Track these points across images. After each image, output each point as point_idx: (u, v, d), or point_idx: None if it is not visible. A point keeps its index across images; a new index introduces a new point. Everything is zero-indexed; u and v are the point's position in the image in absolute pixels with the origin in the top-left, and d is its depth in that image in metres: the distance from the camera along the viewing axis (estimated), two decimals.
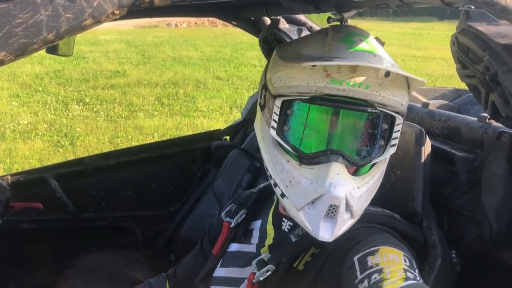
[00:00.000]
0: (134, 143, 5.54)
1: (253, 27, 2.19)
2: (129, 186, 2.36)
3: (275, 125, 0.97)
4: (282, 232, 1.15)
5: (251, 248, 1.20)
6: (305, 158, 0.96)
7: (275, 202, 1.20)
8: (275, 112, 0.97)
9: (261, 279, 1.05)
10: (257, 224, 1.25)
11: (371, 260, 0.90)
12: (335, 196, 0.90)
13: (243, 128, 2.47)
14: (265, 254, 1.11)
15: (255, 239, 1.22)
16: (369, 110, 0.92)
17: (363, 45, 0.97)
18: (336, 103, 0.93)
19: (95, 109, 7.25)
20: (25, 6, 0.57)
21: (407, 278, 0.84)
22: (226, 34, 17.25)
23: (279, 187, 0.99)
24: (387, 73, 0.90)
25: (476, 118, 1.30)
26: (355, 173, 0.97)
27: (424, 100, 1.76)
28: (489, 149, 1.20)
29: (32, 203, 1.99)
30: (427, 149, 1.17)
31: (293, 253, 1.06)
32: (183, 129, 6.31)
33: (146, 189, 2.39)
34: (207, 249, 1.37)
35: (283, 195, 0.99)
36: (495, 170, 1.15)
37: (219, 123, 6.45)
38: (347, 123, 0.95)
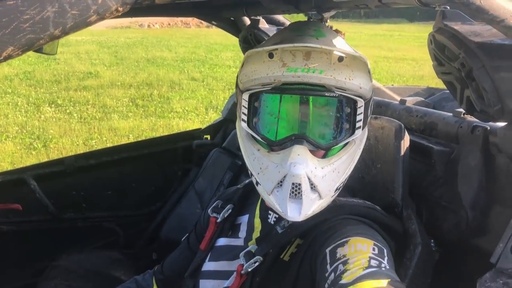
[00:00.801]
0: (109, 145, 5.47)
1: (233, 27, 2.21)
2: (110, 186, 2.35)
3: (245, 118, 1.05)
4: (268, 225, 1.18)
5: (238, 242, 1.23)
6: (273, 145, 1.03)
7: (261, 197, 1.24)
8: (243, 106, 1.05)
9: (249, 270, 1.09)
10: (244, 218, 1.28)
11: (340, 252, 0.95)
12: (295, 174, 0.96)
13: (223, 127, 2.50)
14: (252, 246, 1.15)
15: (242, 233, 1.25)
16: (326, 94, 0.99)
17: (310, 32, 1.05)
18: (294, 91, 0.99)
19: (68, 111, 7.14)
20: (33, 3, 0.59)
21: (369, 267, 0.88)
22: (200, 35, 17.21)
23: (254, 176, 1.06)
24: (340, 58, 0.97)
25: (451, 114, 1.37)
26: (324, 157, 1.03)
27: (399, 98, 1.83)
28: (464, 143, 1.26)
29: (11, 204, 1.97)
30: (406, 143, 1.23)
31: (279, 244, 1.09)
32: (158, 130, 6.27)
33: (127, 189, 2.39)
34: (194, 245, 1.39)
35: (257, 183, 1.05)
36: (470, 162, 1.21)
37: (195, 124, 6.44)
38: (310, 109, 1.01)
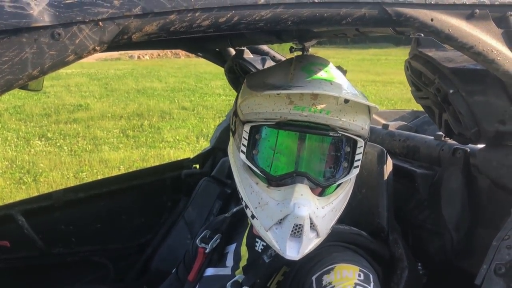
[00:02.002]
0: (100, 177, 5.44)
1: (219, 58, 2.25)
2: (99, 219, 2.33)
3: (244, 149, 1.03)
4: (255, 253, 1.18)
5: (226, 271, 1.23)
6: (272, 180, 1.02)
7: (249, 225, 1.24)
8: (244, 137, 1.03)
9: None
10: (232, 247, 1.28)
11: (325, 279, 0.96)
12: (299, 216, 0.96)
13: (212, 156, 2.51)
14: (239, 276, 1.15)
15: (230, 262, 1.25)
16: (330, 134, 1.00)
17: (321, 74, 1.05)
18: (299, 128, 1.00)
19: (58, 144, 7.11)
20: (11, 45, 0.61)
21: None
22: (189, 65, 17.37)
23: (249, 209, 1.05)
24: (347, 100, 0.97)
25: (432, 137, 1.39)
26: (321, 194, 1.03)
27: (384, 122, 1.86)
28: (446, 165, 1.29)
29: None
30: (389, 167, 1.24)
31: (266, 273, 1.10)
32: (149, 161, 6.26)
33: (116, 222, 2.37)
34: (183, 276, 1.39)
35: (253, 216, 1.04)
36: (452, 184, 1.23)
37: (186, 153, 6.44)
38: (311, 147, 1.02)
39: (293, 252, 0.98)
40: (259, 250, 1.18)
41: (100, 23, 0.64)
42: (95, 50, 0.65)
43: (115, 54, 19.06)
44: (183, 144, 7.10)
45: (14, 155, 6.48)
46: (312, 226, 0.99)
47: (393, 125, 1.58)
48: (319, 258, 1.04)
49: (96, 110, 9.50)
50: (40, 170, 5.82)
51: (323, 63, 1.10)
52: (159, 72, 15.69)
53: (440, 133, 1.33)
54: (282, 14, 0.77)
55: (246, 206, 1.06)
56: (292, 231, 0.97)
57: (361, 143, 1.04)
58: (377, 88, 12.46)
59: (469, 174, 1.21)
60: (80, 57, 0.64)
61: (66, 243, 2.24)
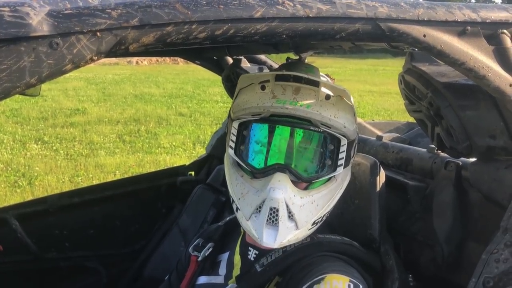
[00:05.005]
0: (95, 182, 5.44)
1: (216, 66, 2.27)
2: (93, 225, 2.32)
3: (232, 145, 1.10)
4: (248, 262, 1.19)
5: (219, 279, 1.24)
6: (256, 173, 1.07)
7: (242, 233, 1.25)
8: (232, 133, 1.10)
9: None
10: (225, 256, 1.29)
11: None
12: (273, 198, 1.00)
13: (207, 163, 2.51)
14: (231, 285, 1.15)
15: (223, 270, 1.25)
16: (311, 128, 1.04)
17: (302, 69, 1.13)
18: (281, 122, 1.05)
19: (54, 147, 7.10)
20: (10, 54, 0.62)
21: None
22: (188, 71, 17.40)
23: (234, 202, 1.09)
24: (328, 96, 1.03)
25: (425, 150, 1.41)
26: (305, 189, 1.07)
27: (379, 133, 1.87)
28: (438, 178, 1.30)
29: None
30: (381, 179, 1.26)
31: (258, 282, 1.10)
32: (145, 166, 6.25)
33: (110, 227, 2.36)
34: (176, 284, 1.39)
35: (237, 209, 1.08)
36: (444, 197, 1.24)
37: (183, 159, 6.44)
38: (294, 141, 1.06)
39: (269, 239, 1.02)
40: (252, 259, 1.19)
41: (98, 33, 0.66)
42: (92, 60, 0.66)
43: (113, 59, 19.07)
44: (180, 150, 7.10)
45: (9, 158, 6.46)
46: (290, 215, 1.02)
47: (387, 137, 1.60)
48: (310, 268, 1.05)
49: (93, 115, 9.50)
50: (36, 174, 5.81)
51: (309, 66, 1.18)
52: (157, 78, 15.71)
53: (433, 146, 1.34)
54: (277, 28, 0.78)
55: (233, 201, 1.11)
56: (269, 216, 1.01)
57: (344, 141, 1.08)
58: (374, 98, 12.51)
59: (461, 188, 1.22)
60: (78, 66, 0.65)
61: (60, 248, 2.23)
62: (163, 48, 0.71)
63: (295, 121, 1.04)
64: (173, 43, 0.71)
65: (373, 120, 2.73)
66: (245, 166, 1.09)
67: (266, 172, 1.05)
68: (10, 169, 6.01)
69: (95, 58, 0.66)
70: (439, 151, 1.34)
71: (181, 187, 2.45)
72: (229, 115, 1.16)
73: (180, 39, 0.72)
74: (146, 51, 0.76)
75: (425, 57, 1.14)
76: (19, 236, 2.11)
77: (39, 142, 7.40)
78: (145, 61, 20.12)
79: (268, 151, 1.07)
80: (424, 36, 0.87)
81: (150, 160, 6.56)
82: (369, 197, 1.26)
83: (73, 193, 2.34)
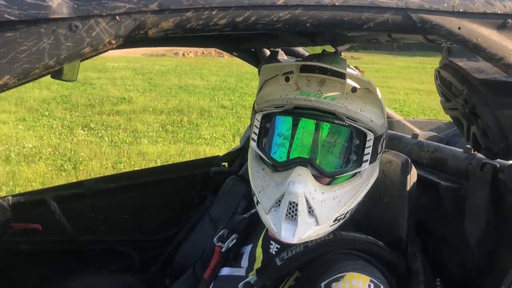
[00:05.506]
0: (137, 169, 5.58)
1: (254, 58, 2.27)
2: (128, 210, 2.38)
3: (255, 137, 1.08)
4: (269, 255, 1.18)
5: (241, 272, 1.23)
6: (278, 166, 1.05)
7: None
8: (255, 126, 1.08)
9: None
10: (248, 248, 1.28)
11: (334, 287, 0.94)
12: (292, 192, 0.97)
13: (241, 155, 2.52)
14: (251, 277, 1.14)
15: (245, 262, 1.25)
16: (335, 121, 1.00)
17: (327, 60, 1.09)
18: (304, 115, 1.02)
19: (99, 134, 7.32)
20: (30, 35, 0.63)
21: None
22: (232, 64, 17.49)
23: (255, 195, 1.08)
24: (354, 89, 0.99)
25: (462, 150, 1.35)
26: (328, 185, 1.04)
27: (419, 131, 1.81)
28: (473, 180, 1.24)
29: (31, 224, 2.02)
30: (412, 178, 1.21)
31: (277, 276, 1.09)
32: (186, 156, 6.34)
33: (144, 214, 2.41)
34: (199, 273, 1.40)
35: (257, 202, 1.07)
36: (478, 200, 1.19)
37: (222, 151, 6.47)
38: (318, 135, 1.03)
39: (288, 234, 0.99)
40: (273, 253, 1.18)
41: (117, 17, 0.66)
42: (110, 44, 0.66)
43: (160, 50, 19.48)
44: (220, 142, 7.16)
45: (57, 143, 6.72)
46: (310, 210, 0.99)
47: (422, 135, 1.54)
48: (330, 265, 1.02)
49: (139, 104, 9.72)
50: (81, 159, 6.01)
51: (335, 56, 1.15)
52: (202, 70, 15.89)
53: (470, 146, 1.28)
54: (301, 16, 0.76)
55: (253, 193, 1.09)
56: (288, 211, 0.99)
57: (370, 136, 1.03)
58: (420, 97, 12.14)
59: (497, 191, 1.16)
60: (96, 50, 0.66)
61: (95, 231, 2.30)
62: (182, 34, 0.70)
63: (319, 114, 1.01)
64: (192, 29, 0.71)
65: (413, 118, 2.65)
66: (266, 159, 1.06)
67: (288, 165, 1.03)
68: (57, 153, 6.25)
69: (113, 42, 0.66)
70: (475, 152, 1.27)
71: (214, 177, 2.47)
72: (253, 108, 1.14)
73: (200, 25, 0.71)
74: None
75: (463, 52, 1.09)
76: (57, 217, 2.19)
77: (86, 129, 7.64)
78: (191, 53, 20.41)
79: (291, 145, 1.04)
80: (459, 28, 0.83)
81: (190, 150, 6.64)
82: (399, 196, 1.22)
83: (109, 178, 2.40)
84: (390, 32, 0.95)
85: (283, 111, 1.04)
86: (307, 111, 1.02)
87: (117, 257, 2.35)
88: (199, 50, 20.47)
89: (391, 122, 2.34)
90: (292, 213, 0.99)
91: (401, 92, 12.03)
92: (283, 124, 1.05)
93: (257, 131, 1.08)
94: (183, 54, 20.34)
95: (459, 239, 1.18)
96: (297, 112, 1.03)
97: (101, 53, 0.67)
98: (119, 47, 0.70)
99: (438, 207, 1.29)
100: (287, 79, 1.04)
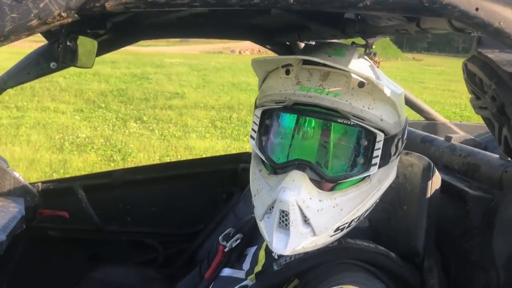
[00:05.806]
0: (165, 161, 5.64)
1: (288, 52, 2.19)
2: (155, 203, 2.36)
3: (254, 135, 0.99)
4: (271, 259, 1.10)
5: (241, 274, 1.17)
6: (275, 168, 0.95)
7: None
8: (254, 122, 0.99)
9: None
10: (252, 250, 1.22)
11: None
12: (282, 200, 0.87)
13: None
14: (248, 281, 1.08)
15: (246, 265, 1.19)
16: (339, 120, 0.89)
17: (328, 51, 0.98)
18: (304, 112, 0.91)
19: (151, 127, 7.49)
20: None
21: None
22: None
23: (252, 198, 1.00)
24: (361, 84, 0.87)
25: (498, 156, 1.19)
26: (331, 190, 0.93)
27: (454, 134, 1.65)
28: (508, 190, 1.08)
29: (59, 211, 2.04)
30: (435, 184, 1.08)
31: (274, 282, 1.01)
32: (231, 152, 6.35)
33: (171, 207, 2.38)
34: (204, 272, 1.34)
35: (253, 206, 0.99)
36: (510, 213, 1.03)
37: None
38: (319, 134, 0.92)
39: (280, 244, 0.90)
40: (275, 257, 1.09)
41: None
42: (61, 17, 0.60)
43: (218, 47, 19.75)
44: None
45: (110, 134, 6.93)
46: (305, 219, 0.89)
47: (457, 138, 1.38)
48: (327, 276, 0.93)
49: (191, 99, 9.87)
50: (130, 151, 6.16)
51: (340, 45, 1.04)
52: None
53: None
54: None
55: (251, 196, 1.01)
56: (280, 219, 0.89)
57: (380, 137, 0.91)
58: None
59: None
60: (45, 23, 0.60)
61: (121, 222, 2.30)
62: (145, 9, 0.63)
63: (322, 111, 0.90)
64: (156, 2, 0.63)
65: (460, 122, 2.46)
66: (264, 160, 0.97)
67: (286, 168, 0.92)
68: (108, 144, 6.44)
69: (64, 14, 0.60)
70: None
71: (242, 174, 2.40)
72: (255, 103, 1.05)
73: None
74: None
75: (495, 43, 0.94)
76: (84, 206, 2.20)
77: (138, 121, 7.85)
78: (247, 50, 20.54)
79: (290, 145, 0.94)
80: (477, 9, 0.70)
81: (236, 147, 6.65)
82: (418, 204, 1.09)
83: (138, 170, 2.39)
84: (392, 13, 0.83)
85: (282, 107, 0.94)
86: (308, 108, 0.91)
87: (142, 250, 2.33)
88: (256, 47, 20.52)
89: (435, 125, 2.17)
90: (284, 222, 0.90)
91: (463, 96, 11.45)
92: (282, 121, 0.96)
93: (256, 128, 0.99)
94: (240, 52, 20.52)
95: (485, 257, 1.04)
96: (297, 109, 0.93)
97: (52, 27, 0.61)
98: (77, 20, 0.63)
99: (463, 219, 1.14)
100: (287, 72, 0.94)
